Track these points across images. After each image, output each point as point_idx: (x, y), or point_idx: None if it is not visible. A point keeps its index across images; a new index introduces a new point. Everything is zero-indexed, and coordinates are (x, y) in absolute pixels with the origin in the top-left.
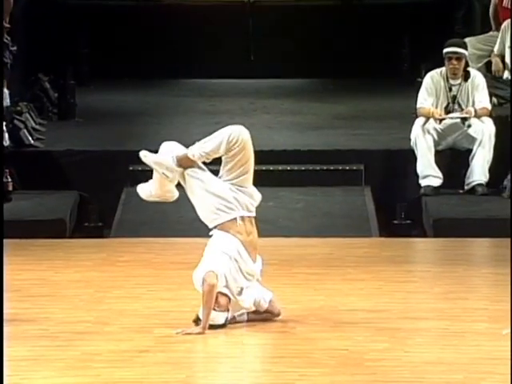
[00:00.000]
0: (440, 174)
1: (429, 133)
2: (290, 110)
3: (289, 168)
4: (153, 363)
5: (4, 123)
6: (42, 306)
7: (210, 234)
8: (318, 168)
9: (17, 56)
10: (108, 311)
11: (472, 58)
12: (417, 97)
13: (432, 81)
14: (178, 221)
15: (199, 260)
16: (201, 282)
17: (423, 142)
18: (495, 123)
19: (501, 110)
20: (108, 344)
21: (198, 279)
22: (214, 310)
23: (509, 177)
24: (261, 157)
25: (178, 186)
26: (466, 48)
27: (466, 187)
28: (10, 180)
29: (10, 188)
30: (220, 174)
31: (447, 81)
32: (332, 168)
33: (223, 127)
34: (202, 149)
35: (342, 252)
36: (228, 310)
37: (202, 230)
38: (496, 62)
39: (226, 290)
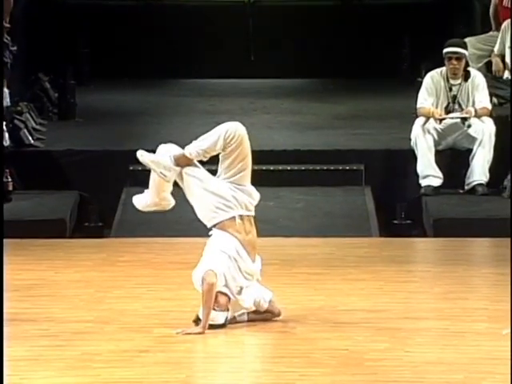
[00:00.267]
0: (440, 174)
1: (429, 133)
2: (289, 110)
3: (289, 168)
4: (153, 363)
5: (4, 123)
6: (42, 306)
7: (210, 233)
8: (318, 168)
9: (17, 56)
10: (108, 311)
11: (472, 57)
12: (417, 97)
13: (432, 81)
14: (178, 221)
15: (199, 260)
16: (200, 281)
17: (423, 141)
18: (495, 123)
19: (501, 109)
20: (108, 344)
21: (197, 279)
22: (214, 309)
23: (509, 177)
24: (261, 157)
25: (176, 186)
26: (466, 48)
27: (466, 187)
28: (10, 180)
29: (10, 188)
30: (218, 173)
31: (447, 81)
32: (332, 168)
33: None
34: (199, 147)
35: (342, 252)
36: (228, 310)
37: (201, 230)
38: (496, 62)
39: (225, 290)
